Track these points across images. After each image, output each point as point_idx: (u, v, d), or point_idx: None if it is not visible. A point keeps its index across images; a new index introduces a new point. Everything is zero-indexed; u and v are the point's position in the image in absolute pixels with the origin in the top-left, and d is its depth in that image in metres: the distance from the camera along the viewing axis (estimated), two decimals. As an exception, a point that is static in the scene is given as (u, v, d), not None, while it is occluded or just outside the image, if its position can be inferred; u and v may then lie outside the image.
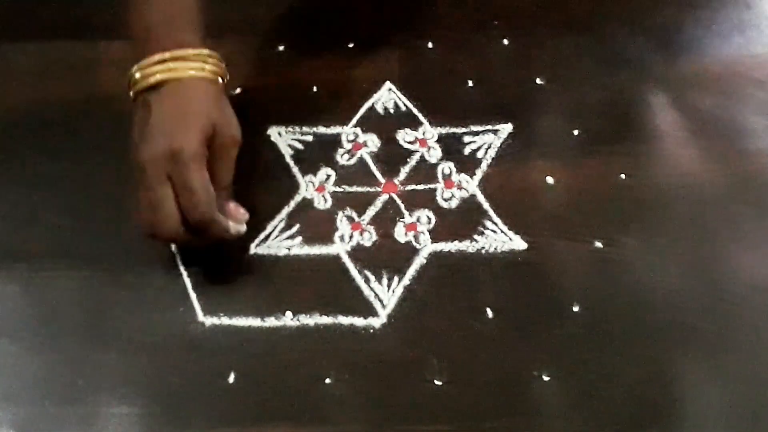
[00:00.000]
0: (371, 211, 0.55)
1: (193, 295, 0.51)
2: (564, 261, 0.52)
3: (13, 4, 0.69)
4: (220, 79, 0.51)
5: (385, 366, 0.48)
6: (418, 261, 0.53)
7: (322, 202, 0.56)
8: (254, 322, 0.50)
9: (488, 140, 0.59)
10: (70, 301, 0.52)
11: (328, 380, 0.48)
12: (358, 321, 0.50)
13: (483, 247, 0.53)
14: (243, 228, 0.50)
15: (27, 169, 0.59)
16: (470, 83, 0.62)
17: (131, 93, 0.49)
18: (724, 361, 0.48)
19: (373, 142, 0.59)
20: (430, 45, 0.64)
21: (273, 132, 0.60)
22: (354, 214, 0.55)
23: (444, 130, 0.60)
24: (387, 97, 0.62)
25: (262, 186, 0.57)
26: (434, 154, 0.58)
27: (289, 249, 0.54)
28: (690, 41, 0.65)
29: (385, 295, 0.51)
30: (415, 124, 0.60)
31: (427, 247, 0.53)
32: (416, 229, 0.54)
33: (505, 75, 0.63)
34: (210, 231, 0.47)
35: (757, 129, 0.59)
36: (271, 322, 0.50)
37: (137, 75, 0.48)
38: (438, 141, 0.59)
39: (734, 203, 0.54)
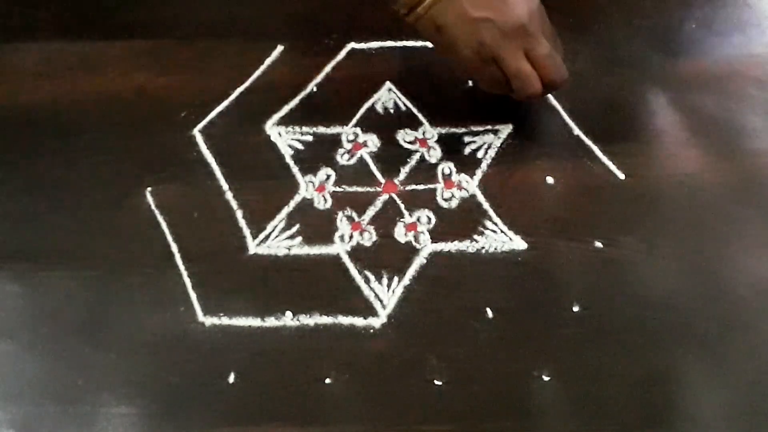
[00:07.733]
0: (371, 211, 0.55)
1: (193, 295, 0.51)
2: (564, 261, 0.52)
3: (13, 4, 0.69)
4: None
5: (385, 366, 0.48)
6: (418, 261, 0.53)
7: (322, 202, 0.56)
8: (254, 322, 0.50)
9: (488, 140, 0.59)
10: (70, 301, 0.52)
11: (328, 380, 0.48)
12: (358, 321, 0.50)
13: (483, 247, 0.53)
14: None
15: (27, 170, 0.59)
16: (470, 83, 0.62)
17: (418, 9, 0.52)
18: (724, 361, 0.48)
19: (373, 142, 0.59)
20: (430, 45, 0.64)
21: (273, 132, 0.60)
22: (354, 214, 0.55)
23: (444, 130, 0.60)
24: (387, 97, 0.62)
25: (262, 186, 0.57)
26: (434, 154, 0.58)
27: (289, 249, 0.54)
28: (690, 41, 0.65)
29: (385, 295, 0.51)
30: (415, 124, 0.60)
31: (427, 247, 0.53)
32: (416, 229, 0.54)
33: (505, 75, 0.63)
34: (561, 85, 0.54)
35: (757, 129, 0.59)
36: (271, 322, 0.50)
37: None
38: (438, 141, 0.59)
39: (734, 203, 0.54)
